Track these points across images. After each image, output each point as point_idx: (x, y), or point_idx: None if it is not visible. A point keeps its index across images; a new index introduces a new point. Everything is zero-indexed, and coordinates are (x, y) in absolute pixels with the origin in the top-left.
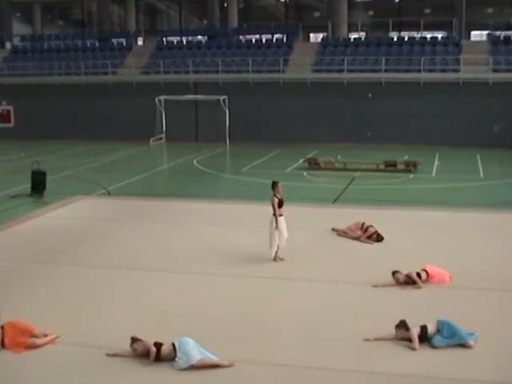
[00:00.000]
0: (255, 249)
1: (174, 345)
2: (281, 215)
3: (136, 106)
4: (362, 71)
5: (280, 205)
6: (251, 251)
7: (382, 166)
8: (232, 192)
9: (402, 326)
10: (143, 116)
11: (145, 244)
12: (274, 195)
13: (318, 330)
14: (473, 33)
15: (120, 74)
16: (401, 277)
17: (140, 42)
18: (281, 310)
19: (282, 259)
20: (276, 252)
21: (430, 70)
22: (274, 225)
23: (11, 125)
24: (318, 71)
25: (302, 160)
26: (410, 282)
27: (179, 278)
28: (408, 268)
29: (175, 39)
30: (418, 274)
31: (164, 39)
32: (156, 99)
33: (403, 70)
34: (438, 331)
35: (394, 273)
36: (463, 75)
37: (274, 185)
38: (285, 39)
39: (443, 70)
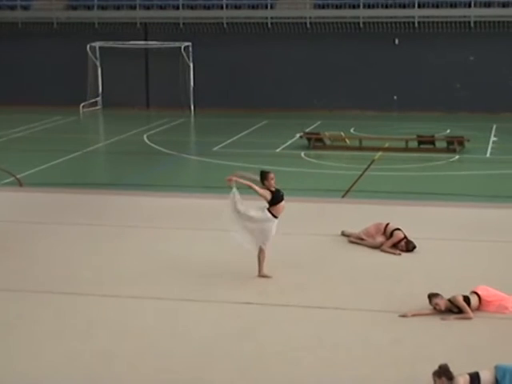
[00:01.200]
0: (233, 263)
1: None
2: (275, 217)
3: (59, 56)
4: (385, 6)
5: (275, 200)
6: (227, 266)
7: (413, 144)
8: (199, 181)
9: (444, 373)
10: (70, 71)
11: (75, 257)
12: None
13: (322, 380)
14: None
15: (34, 9)
16: (441, 302)
17: None
18: (270, 351)
19: (268, 276)
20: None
21: (486, 4)
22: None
23: None
24: (321, 7)
25: (298, 135)
26: (454, 309)
27: (125, 306)
28: (451, 290)
29: None
30: (467, 299)
31: None
32: (88, 47)
33: (445, 3)
34: (497, 382)
35: (431, 296)
36: None
37: (264, 176)
38: None
39: (504, 4)
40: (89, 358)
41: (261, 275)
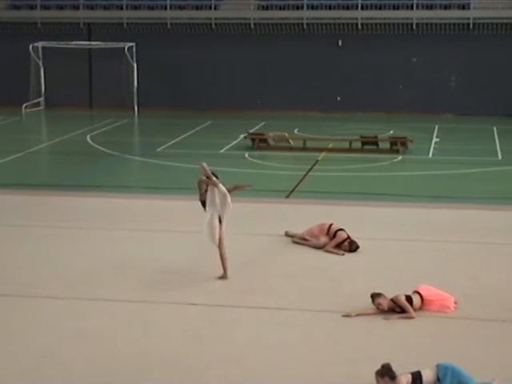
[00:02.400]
0: (180, 263)
1: None
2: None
3: (1, 56)
4: (329, 7)
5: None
6: (174, 266)
7: (357, 145)
8: (143, 182)
9: (386, 372)
10: (12, 71)
11: (13, 258)
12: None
13: (268, 377)
14: None
15: None
16: (384, 302)
17: None
18: (212, 352)
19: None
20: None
21: (428, 6)
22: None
23: None
24: (265, 8)
25: (242, 135)
26: (396, 309)
27: (65, 307)
28: (394, 289)
29: None
30: (409, 298)
31: None
32: (31, 47)
33: (388, 5)
34: (438, 380)
35: (373, 296)
36: (475, 13)
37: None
38: None
39: (446, 6)
40: (24, 360)
41: (221, 276)
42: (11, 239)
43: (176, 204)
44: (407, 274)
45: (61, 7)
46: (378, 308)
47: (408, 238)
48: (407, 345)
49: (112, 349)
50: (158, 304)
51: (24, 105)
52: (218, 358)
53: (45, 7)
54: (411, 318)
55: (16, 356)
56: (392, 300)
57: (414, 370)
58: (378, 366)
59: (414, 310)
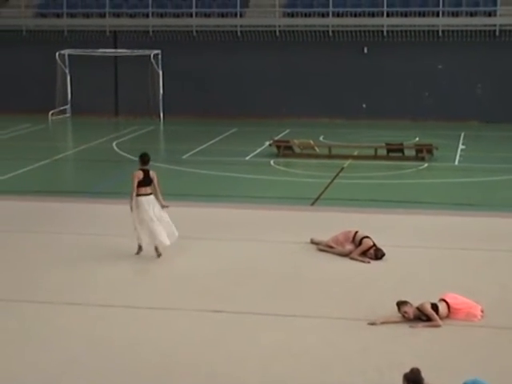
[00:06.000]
0: (203, 269)
1: None
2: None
3: (27, 63)
4: (354, 15)
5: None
6: (196, 273)
7: (382, 152)
8: (170, 189)
9: (414, 378)
10: (38, 79)
11: (40, 265)
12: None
13: None
14: None
15: (4, 17)
16: (410, 310)
17: None
18: (237, 360)
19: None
20: (139, 247)
21: (454, 14)
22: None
23: None
24: (291, 15)
25: (268, 143)
26: (422, 317)
27: (92, 314)
28: (420, 297)
29: None
30: (435, 307)
31: None
32: (57, 54)
33: (414, 12)
34: None
35: (399, 304)
36: (501, 20)
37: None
38: None
39: (472, 13)
40: (52, 366)
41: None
42: (38, 246)
43: (201, 211)
44: (433, 282)
45: (87, 15)
46: (403, 316)
47: (434, 245)
48: (433, 353)
49: (137, 356)
50: (183, 311)
51: (50, 112)
52: (242, 365)
53: (71, 15)
54: (437, 326)
55: (42, 363)
56: (418, 308)
57: (440, 379)
58: (404, 374)
59: (441, 318)
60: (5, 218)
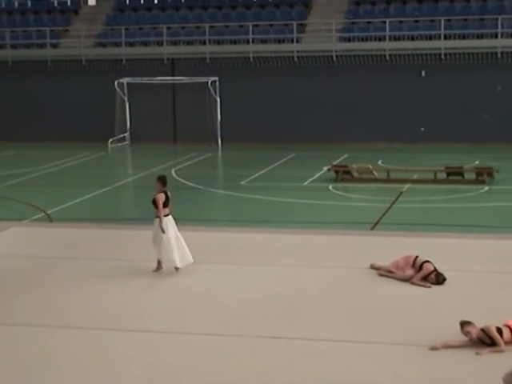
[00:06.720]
0: (263, 296)
1: None
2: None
3: (87, 92)
4: (411, 38)
5: (165, 204)
6: (259, 300)
7: (442, 175)
8: (228, 215)
9: None
10: (98, 107)
11: (103, 292)
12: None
13: None
14: None
15: (63, 47)
16: (473, 331)
17: (92, 1)
18: None
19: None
20: (159, 263)
21: None
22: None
23: None
24: (347, 40)
25: (326, 168)
26: (486, 340)
27: (154, 341)
28: (482, 323)
29: None
30: (499, 330)
31: None
32: (116, 83)
33: (472, 35)
34: None
35: (463, 324)
36: None
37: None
38: None
39: None
40: None
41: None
42: (100, 273)
43: (260, 237)
44: (496, 308)
45: (145, 44)
46: (466, 335)
47: (497, 270)
48: (499, 381)
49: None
50: (243, 337)
51: (110, 140)
52: None
53: (129, 44)
54: (501, 351)
55: None
56: (482, 330)
57: None
58: None
59: (504, 343)
60: (67, 245)
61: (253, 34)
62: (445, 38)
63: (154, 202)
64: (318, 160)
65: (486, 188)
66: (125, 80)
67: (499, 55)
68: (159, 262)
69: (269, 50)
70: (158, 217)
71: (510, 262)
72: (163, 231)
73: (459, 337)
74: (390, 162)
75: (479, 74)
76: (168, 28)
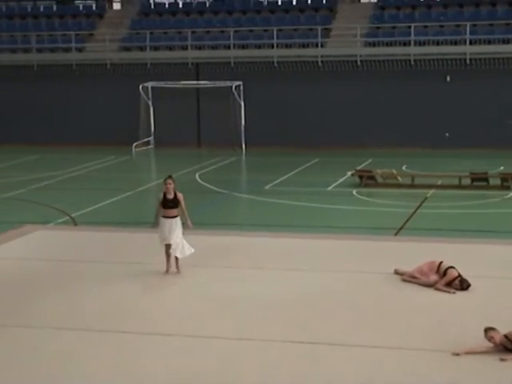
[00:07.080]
0: (284, 300)
1: None
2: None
3: (112, 96)
4: (436, 43)
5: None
6: (281, 304)
7: (466, 181)
8: (252, 219)
9: None
10: (122, 111)
11: (128, 295)
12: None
13: None
14: None
15: (88, 51)
16: (496, 336)
17: (117, 5)
18: None
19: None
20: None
21: None
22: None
23: None
24: (372, 44)
25: (350, 173)
26: (509, 345)
27: (179, 344)
28: (506, 329)
29: (167, 0)
30: None
31: (151, 1)
32: (140, 87)
33: (498, 40)
34: None
35: (486, 330)
36: None
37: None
38: None
39: None
40: None
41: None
42: (122, 277)
43: (284, 241)
44: None
45: (170, 48)
46: (489, 341)
47: None
48: None
49: None
50: (263, 342)
51: (134, 144)
52: None
53: (154, 48)
54: None
55: None
56: (506, 336)
57: None
58: None
59: None
60: (92, 248)
61: (277, 38)
62: (470, 43)
63: (176, 201)
64: (341, 165)
65: (511, 194)
66: (149, 84)
67: None
68: (169, 259)
69: (293, 54)
70: (175, 216)
71: None
72: (189, 227)
73: (483, 343)
74: (415, 167)
75: (505, 79)
76: (193, 32)
